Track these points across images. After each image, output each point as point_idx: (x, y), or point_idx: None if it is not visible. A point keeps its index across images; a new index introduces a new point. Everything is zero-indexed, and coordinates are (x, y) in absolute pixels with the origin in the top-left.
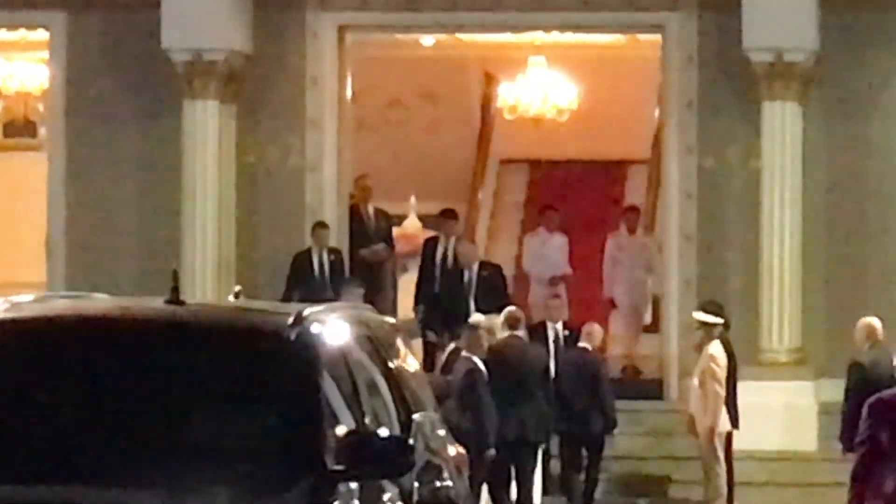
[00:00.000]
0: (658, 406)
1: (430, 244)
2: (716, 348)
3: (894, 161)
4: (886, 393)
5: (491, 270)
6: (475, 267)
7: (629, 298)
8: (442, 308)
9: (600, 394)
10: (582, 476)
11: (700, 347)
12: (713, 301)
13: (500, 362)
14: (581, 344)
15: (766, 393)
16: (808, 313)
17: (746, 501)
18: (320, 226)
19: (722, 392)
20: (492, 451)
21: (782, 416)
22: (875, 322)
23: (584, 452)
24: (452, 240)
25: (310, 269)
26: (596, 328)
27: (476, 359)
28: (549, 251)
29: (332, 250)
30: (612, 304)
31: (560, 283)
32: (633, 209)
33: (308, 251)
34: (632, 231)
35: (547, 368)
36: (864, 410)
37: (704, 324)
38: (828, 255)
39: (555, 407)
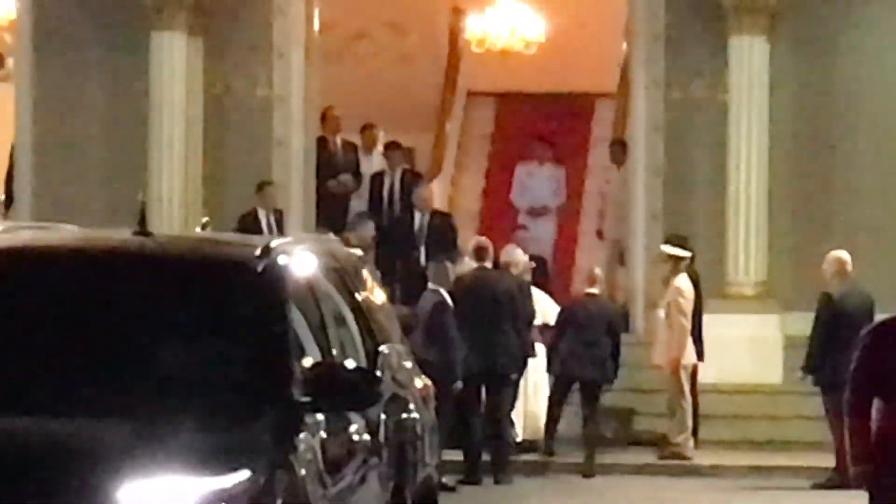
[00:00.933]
0: (624, 339)
1: (378, 178)
2: (682, 281)
3: (861, 95)
4: (888, 319)
5: (442, 219)
6: (427, 214)
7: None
8: (390, 247)
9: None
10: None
11: (667, 280)
12: (680, 234)
13: (468, 294)
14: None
15: (732, 326)
16: (775, 247)
17: (711, 434)
18: (267, 184)
19: (688, 325)
20: (458, 384)
21: (748, 348)
22: (844, 255)
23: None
24: (399, 172)
25: (258, 230)
26: (519, 253)
27: (443, 291)
28: (535, 183)
29: (275, 210)
30: (599, 235)
31: (544, 215)
32: (620, 142)
33: (254, 212)
34: (619, 164)
35: (516, 300)
36: (867, 337)
37: (672, 256)
38: (794, 189)
39: (525, 338)
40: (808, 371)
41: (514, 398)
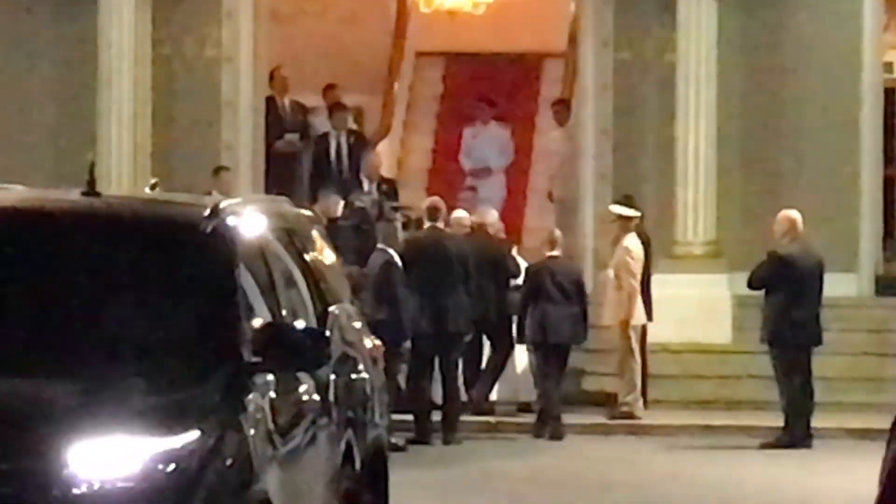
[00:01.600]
0: None
1: (323, 140)
2: (631, 241)
3: (810, 55)
4: None
5: (389, 186)
6: (376, 182)
7: (561, 192)
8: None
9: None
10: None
11: (616, 241)
12: (629, 194)
13: (419, 254)
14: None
15: (681, 285)
16: (723, 206)
17: (660, 393)
18: (224, 169)
19: (636, 285)
20: (407, 344)
21: (697, 308)
22: (795, 215)
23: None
24: (344, 133)
25: None
26: (493, 214)
27: (392, 251)
28: (480, 143)
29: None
30: (550, 197)
31: (488, 176)
32: (562, 102)
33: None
34: (561, 123)
35: (467, 259)
36: None
37: (620, 217)
38: (743, 148)
39: (474, 298)
40: (762, 332)
41: (480, 359)
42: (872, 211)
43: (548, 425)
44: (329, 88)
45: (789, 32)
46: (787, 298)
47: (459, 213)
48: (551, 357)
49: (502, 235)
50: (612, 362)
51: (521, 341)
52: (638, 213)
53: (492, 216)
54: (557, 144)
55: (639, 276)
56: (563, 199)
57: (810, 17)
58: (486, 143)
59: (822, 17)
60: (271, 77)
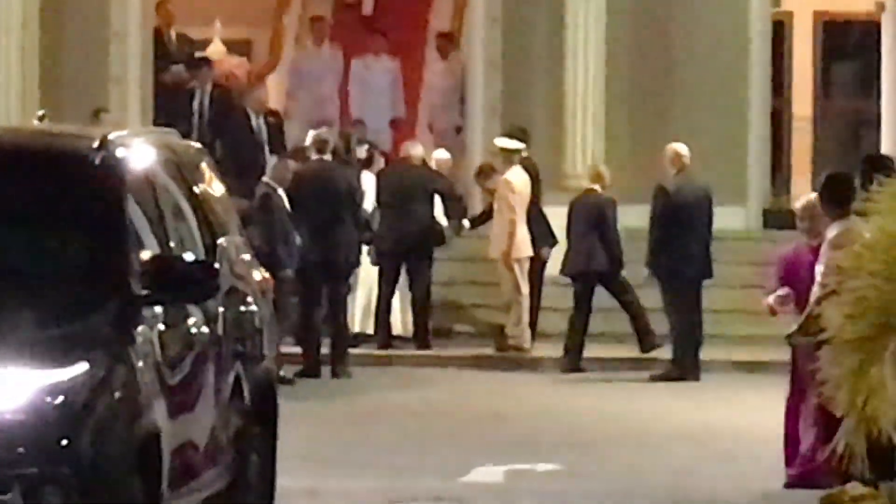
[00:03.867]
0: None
1: (184, 95)
2: (513, 174)
3: None
4: None
5: (276, 118)
6: (262, 115)
7: (441, 124)
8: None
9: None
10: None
11: (482, 174)
12: (518, 126)
13: (307, 186)
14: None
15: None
16: (612, 139)
17: (551, 325)
18: (102, 110)
19: (515, 218)
20: (288, 272)
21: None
22: (682, 148)
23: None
24: (208, 88)
25: None
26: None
27: (274, 183)
28: (372, 76)
29: None
30: (430, 129)
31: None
32: (446, 35)
33: None
34: (444, 57)
35: (355, 191)
36: None
37: (504, 149)
38: (631, 80)
39: (363, 229)
40: (650, 266)
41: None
42: (760, 144)
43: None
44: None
45: None
46: (674, 231)
47: (411, 147)
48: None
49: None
50: (500, 295)
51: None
52: (520, 146)
53: (418, 150)
54: (440, 77)
55: (521, 210)
56: (443, 131)
57: None
58: (377, 75)
59: None
60: (157, 9)
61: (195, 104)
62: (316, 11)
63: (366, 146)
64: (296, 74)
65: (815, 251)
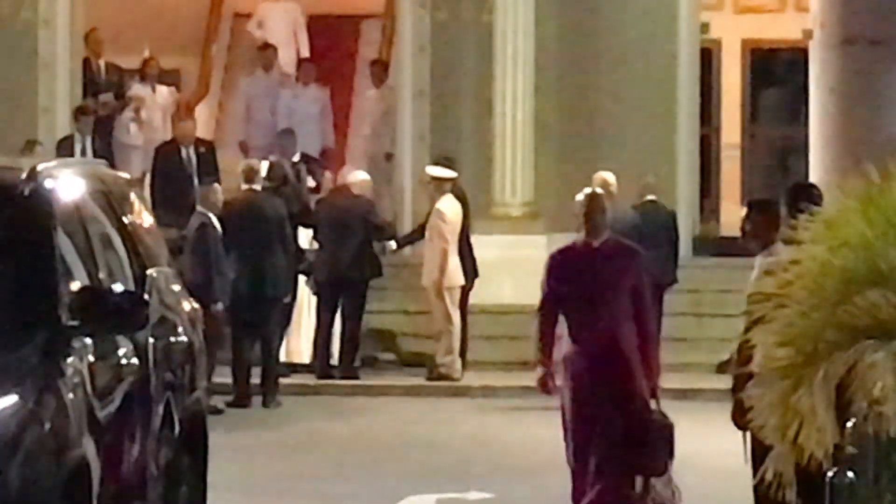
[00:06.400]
0: (392, 260)
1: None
2: (444, 203)
3: (624, 17)
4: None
5: (206, 147)
6: (192, 146)
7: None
8: (163, 180)
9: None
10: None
11: (434, 202)
12: (446, 156)
13: (237, 216)
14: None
15: (499, 246)
16: (541, 168)
17: (480, 355)
18: (35, 143)
19: (447, 248)
20: (219, 305)
21: (515, 269)
22: (609, 176)
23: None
24: (89, 139)
25: None
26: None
27: (209, 213)
28: (300, 105)
29: None
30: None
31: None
32: (378, 62)
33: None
34: (377, 84)
35: (284, 221)
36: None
37: (434, 178)
38: (560, 109)
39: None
40: None
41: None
42: (689, 171)
43: None
44: (92, 32)
45: None
46: None
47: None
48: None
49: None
50: (431, 324)
51: None
52: (452, 174)
53: (359, 176)
54: (371, 104)
55: (453, 238)
56: (374, 158)
57: None
58: (306, 104)
59: None
60: (86, 39)
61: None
62: (245, 41)
63: (322, 175)
64: (244, 101)
65: (593, 250)
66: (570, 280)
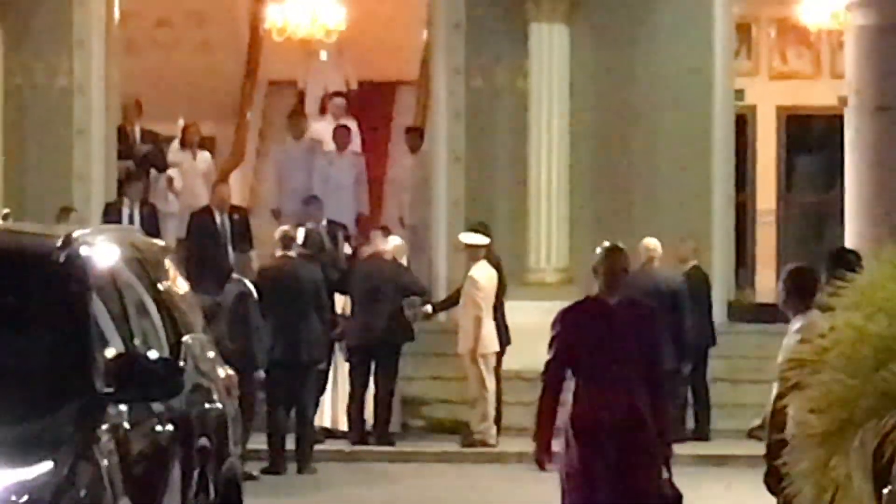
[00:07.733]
0: (426, 326)
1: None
2: (478, 271)
3: (659, 84)
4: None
5: (241, 214)
6: (227, 212)
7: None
8: (197, 247)
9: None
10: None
11: (468, 269)
12: (481, 222)
13: (272, 283)
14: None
15: (534, 313)
16: (576, 233)
17: (514, 422)
18: (70, 210)
19: (481, 315)
20: (260, 373)
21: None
22: (653, 242)
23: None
24: (137, 205)
25: None
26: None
27: (247, 281)
28: (335, 171)
29: None
30: (402, 223)
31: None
32: (415, 129)
33: None
34: (413, 151)
35: (320, 288)
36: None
37: (469, 245)
38: (594, 175)
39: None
40: None
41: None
42: (724, 237)
43: None
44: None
45: (641, 59)
46: None
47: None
48: None
49: (402, 258)
50: (466, 390)
51: None
52: (485, 241)
53: (390, 241)
54: (409, 172)
55: (487, 305)
56: (415, 226)
57: (662, 43)
58: (341, 170)
59: (674, 43)
60: (123, 107)
61: (125, 218)
62: (279, 108)
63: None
64: (276, 168)
65: (609, 308)
66: (581, 338)
